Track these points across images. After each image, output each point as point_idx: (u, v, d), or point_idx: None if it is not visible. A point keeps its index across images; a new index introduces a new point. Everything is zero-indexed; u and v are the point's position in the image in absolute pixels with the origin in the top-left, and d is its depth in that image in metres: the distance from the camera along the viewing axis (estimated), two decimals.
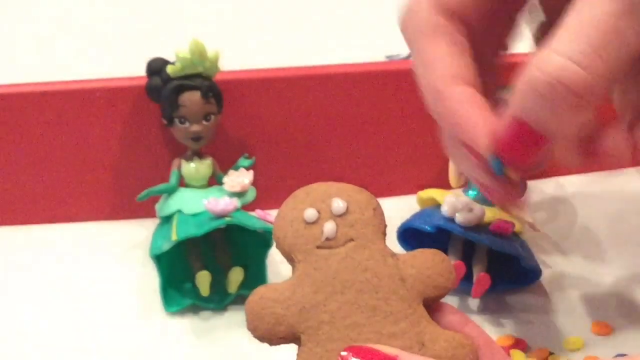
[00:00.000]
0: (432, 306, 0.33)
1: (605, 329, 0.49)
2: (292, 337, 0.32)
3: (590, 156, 0.37)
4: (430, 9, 0.38)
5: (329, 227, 0.33)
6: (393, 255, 0.33)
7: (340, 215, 0.33)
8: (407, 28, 0.39)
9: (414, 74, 0.39)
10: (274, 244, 0.51)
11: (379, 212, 0.33)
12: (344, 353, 0.31)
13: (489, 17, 0.39)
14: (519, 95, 0.32)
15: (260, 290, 0.33)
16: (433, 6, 0.38)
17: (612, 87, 0.35)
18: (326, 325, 0.32)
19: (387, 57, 0.68)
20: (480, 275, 0.50)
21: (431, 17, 0.37)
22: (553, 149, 0.34)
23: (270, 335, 0.32)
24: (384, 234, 0.33)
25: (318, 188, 0.33)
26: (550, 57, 0.31)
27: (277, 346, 0.33)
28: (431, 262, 0.33)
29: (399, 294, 0.32)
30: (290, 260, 0.33)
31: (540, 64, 0.31)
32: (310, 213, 0.33)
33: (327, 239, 0.33)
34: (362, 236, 0.33)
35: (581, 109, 0.32)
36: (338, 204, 0.33)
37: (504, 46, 0.41)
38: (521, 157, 0.34)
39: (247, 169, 0.53)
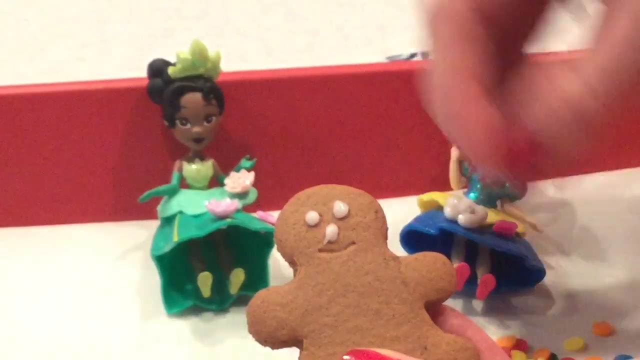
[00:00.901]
0: (434, 309, 0.33)
1: (606, 329, 0.49)
2: (294, 341, 0.32)
3: None
4: (465, 9, 0.37)
5: (330, 230, 0.33)
6: (395, 258, 0.33)
7: (342, 218, 0.33)
8: (437, 25, 0.37)
9: (427, 71, 0.38)
10: (275, 245, 0.52)
11: (380, 215, 0.33)
12: (346, 357, 0.31)
13: (519, 16, 0.39)
14: (538, 115, 0.33)
15: (262, 294, 0.32)
16: (468, 7, 0.37)
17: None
18: (328, 329, 0.32)
19: (388, 58, 0.68)
20: (485, 276, 0.50)
21: (466, 19, 0.37)
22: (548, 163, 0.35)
23: (272, 339, 0.32)
24: (386, 237, 0.33)
25: (320, 191, 0.33)
26: (572, 82, 0.32)
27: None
28: (433, 266, 0.33)
29: (401, 297, 0.32)
30: (292, 263, 0.33)
31: (562, 86, 0.32)
32: (312, 216, 0.33)
33: (329, 242, 0.33)
34: (364, 239, 0.33)
35: (595, 132, 0.33)
36: (340, 207, 0.33)
37: (528, 44, 0.41)
38: (521, 169, 0.35)
39: (249, 170, 0.53)
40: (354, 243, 0.33)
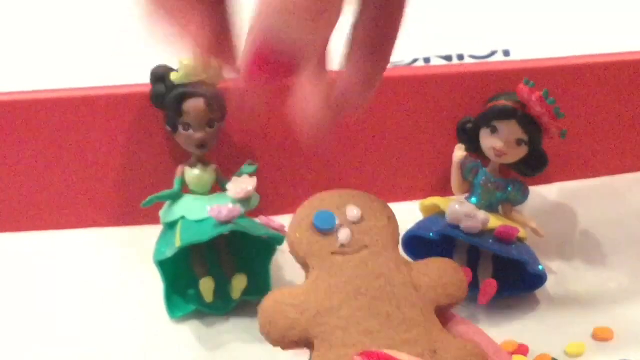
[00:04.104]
0: (443, 315, 0.33)
1: (607, 334, 0.49)
2: (305, 342, 0.32)
3: None
4: None
5: (343, 233, 0.33)
6: (406, 263, 0.33)
7: (355, 223, 0.33)
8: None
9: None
10: (277, 250, 0.52)
11: (393, 221, 0.34)
12: (357, 358, 0.31)
13: None
14: (261, 16, 0.28)
15: (274, 295, 0.33)
16: None
17: None
18: (339, 330, 0.32)
19: (390, 63, 0.68)
20: (487, 281, 0.50)
21: None
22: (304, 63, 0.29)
23: (283, 339, 0.32)
24: (397, 242, 0.33)
25: (333, 195, 0.34)
26: None
27: (281, 351, 0.33)
28: (443, 271, 0.33)
29: (411, 301, 0.32)
30: (304, 265, 0.33)
31: None
32: None
33: (342, 245, 0.33)
34: (376, 244, 0.33)
35: (325, 13, 0.29)
36: (353, 212, 0.33)
37: None
38: (271, 78, 0.30)
39: (251, 175, 0.53)
40: (366, 247, 0.33)
